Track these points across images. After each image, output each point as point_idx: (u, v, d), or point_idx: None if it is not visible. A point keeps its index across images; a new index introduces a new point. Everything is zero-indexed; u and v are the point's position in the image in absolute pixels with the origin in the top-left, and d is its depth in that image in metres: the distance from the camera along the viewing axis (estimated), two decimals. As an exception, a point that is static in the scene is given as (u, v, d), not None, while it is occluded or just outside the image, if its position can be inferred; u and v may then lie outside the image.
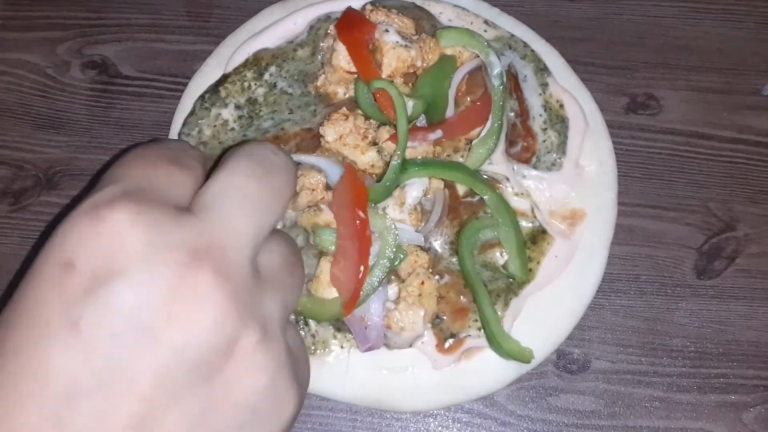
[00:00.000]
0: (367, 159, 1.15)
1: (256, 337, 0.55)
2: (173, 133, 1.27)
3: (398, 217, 1.14)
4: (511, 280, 1.17)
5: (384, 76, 1.18)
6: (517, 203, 1.19)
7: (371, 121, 1.18)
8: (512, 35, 1.30)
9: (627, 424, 1.18)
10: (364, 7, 1.26)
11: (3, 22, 1.42)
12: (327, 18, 1.28)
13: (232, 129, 1.24)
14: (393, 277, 1.13)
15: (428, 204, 1.17)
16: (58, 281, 0.53)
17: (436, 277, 1.14)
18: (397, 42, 1.19)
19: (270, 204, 0.62)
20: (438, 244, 1.17)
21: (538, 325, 1.17)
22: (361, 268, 1.06)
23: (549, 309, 1.18)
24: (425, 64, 1.22)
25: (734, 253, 1.26)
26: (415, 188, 1.14)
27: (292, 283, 0.65)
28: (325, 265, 1.11)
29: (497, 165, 1.18)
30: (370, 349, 1.10)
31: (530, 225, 1.20)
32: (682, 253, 1.26)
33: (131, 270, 0.52)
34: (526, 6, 1.40)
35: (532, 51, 1.29)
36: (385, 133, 1.16)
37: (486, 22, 1.31)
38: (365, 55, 1.18)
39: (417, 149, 1.17)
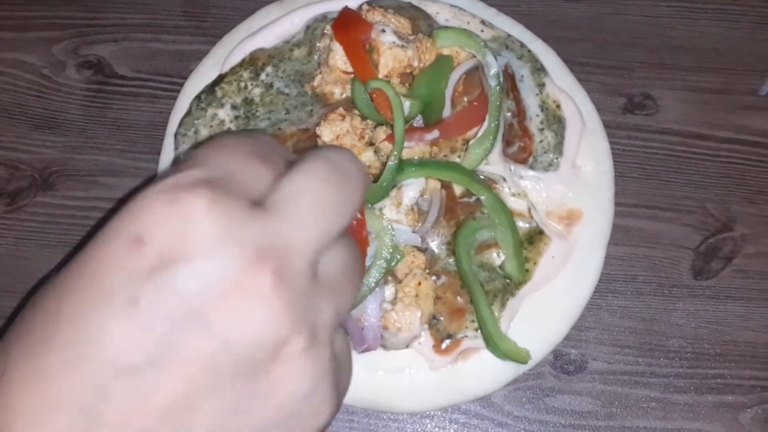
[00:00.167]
0: (363, 159, 1.15)
1: (304, 343, 0.55)
2: (169, 134, 1.26)
3: (395, 217, 1.13)
4: (508, 280, 1.16)
5: (381, 76, 1.18)
6: (514, 204, 1.19)
7: (368, 121, 1.18)
8: (509, 35, 1.30)
9: (624, 425, 1.18)
10: (360, 7, 1.26)
11: (-2, 21, 1.41)
12: (324, 18, 1.28)
13: (229, 129, 1.24)
14: (390, 278, 1.12)
15: (425, 204, 1.17)
16: (125, 255, 0.53)
17: (433, 277, 1.14)
18: (394, 42, 1.18)
19: (341, 211, 0.62)
20: (435, 244, 1.17)
21: (535, 326, 1.17)
22: (358, 268, 1.06)
23: (546, 309, 1.18)
24: (422, 64, 1.22)
25: (731, 254, 1.26)
26: (411, 189, 1.14)
27: (350, 291, 0.65)
28: (322, 265, 1.11)
29: (494, 165, 1.18)
30: (366, 350, 1.10)
31: (527, 225, 1.20)
32: (679, 253, 1.26)
33: (198, 257, 0.52)
34: (523, 6, 1.40)
35: (529, 51, 1.29)
36: (381, 133, 1.16)
37: (483, 22, 1.30)
38: (362, 55, 1.18)
39: (414, 149, 1.17)
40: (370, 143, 1.16)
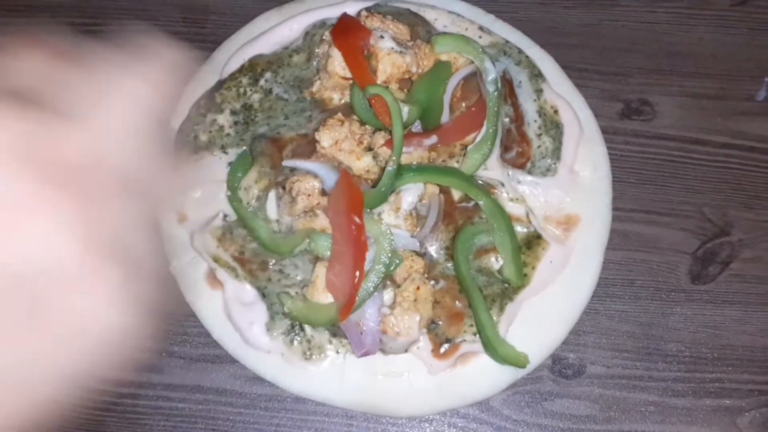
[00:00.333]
0: (362, 164, 1.16)
1: None
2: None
3: (394, 222, 1.14)
4: (506, 285, 1.17)
5: (379, 82, 1.19)
6: (512, 208, 1.20)
7: (366, 126, 1.18)
8: (507, 41, 1.30)
9: (622, 429, 1.19)
10: (359, 14, 1.27)
11: (-1, 28, 1.42)
12: (322, 24, 1.29)
13: (228, 134, 1.24)
14: (388, 282, 1.13)
15: (423, 209, 1.18)
16: None
17: (432, 282, 1.15)
18: (393, 48, 1.19)
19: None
20: (433, 249, 1.17)
21: (533, 330, 1.17)
22: (357, 273, 1.07)
23: (544, 314, 1.18)
24: (420, 70, 1.22)
25: (729, 258, 1.27)
26: (410, 193, 1.15)
27: None
28: (321, 270, 1.12)
29: (492, 170, 1.19)
30: (365, 354, 1.11)
31: (525, 230, 1.20)
32: (676, 258, 1.27)
33: None
34: (520, 12, 1.40)
35: (527, 57, 1.29)
36: (380, 138, 1.16)
37: (481, 28, 1.31)
38: (360, 61, 1.19)
39: (412, 155, 1.17)
40: (369, 148, 1.16)
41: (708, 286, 1.25)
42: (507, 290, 1.17)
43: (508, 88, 1.24)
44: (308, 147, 1.20)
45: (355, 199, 1.09)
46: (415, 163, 1.17)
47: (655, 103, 1.36)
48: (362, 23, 1.23)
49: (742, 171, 1.32)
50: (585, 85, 1.34)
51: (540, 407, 1.20)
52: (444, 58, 1.24)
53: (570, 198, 1.23)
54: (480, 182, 1.19)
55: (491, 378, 1.16)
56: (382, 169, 1.14)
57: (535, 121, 1.25)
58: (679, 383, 1.21)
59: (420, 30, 1.27)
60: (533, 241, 1.20)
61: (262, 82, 1.27)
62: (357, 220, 1.08)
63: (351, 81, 1.21)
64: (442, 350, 1.14)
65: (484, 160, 1.18)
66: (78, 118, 0.59)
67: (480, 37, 1.30)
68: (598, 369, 1.21)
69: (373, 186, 1.14)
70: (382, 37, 1.20)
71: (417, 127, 1.21)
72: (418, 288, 1.11)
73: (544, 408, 1.20)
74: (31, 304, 0.54)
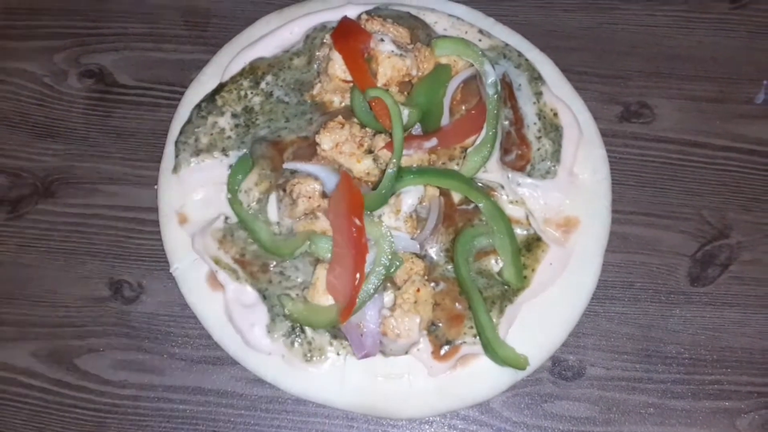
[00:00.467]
0: (362, 167, 1.16)
1: None
2: (170, 142, 1.27)
3: (394, 224, 1.14)
4: (506, 287, 1.17)
5: (379, 84, 1.19)
6: (512, 211, 1.20)
7: (367, 129, 1.19)
8: (507, 45, 1.31)
9: (622, 431, 1.19)
10: (359, 17, 1.27)
11: (1, 31, 1.42)
12: (323, 27, 1.29)
13: (229, 137, 1.25)
14: (389, 285, 1.13)
15: (424, 212, 1.18)
16: None
17: (432, 284, 1.15)
18: (393, 51, 1.19)
19: None
20: (433, 251, 1.18)
21: (533, 332, 1.18)
22: (357, 275, 1.07)
23: (544, 316, 1.19)
24: (420, 73, 1.23)
25: (728, 261, 1.27)
26: (410, 196, 1.15)
27: None
28: (321, 272, 1.12)
29: (492, 173, 1.19)
30: (366, 356, 1.11)
31: (525, 232, 1.21)
32: (676, 260, 1.27)
33: None
34: (520, 16, 1.41)
35: (527, 60, 1.30)
36: (380, 141, 1.17)
37: (481, 31, 1.32)
38: (361, 64, 1.19)
39: (412, 157, 1.18)
40: (369, 151, 1.17)
41: (707, 289, 1.26)
42: (507, 292, 1.17)
43: (507, 91, 1.25)
44: (309, 149, 1.20)
45: (355, 201, 1.10)
46: (415, 165, 1.18)
47: (654, 106, 1.36)
48: (362, 26, 1.23)
49: (741, 174, 1.32)
50: (584, 88, 1.34)
51: (540, 409, 1.20)
52: (444, 61, 1.24)
53: (569, 200, 1.23)
54: (480, 185, 1.20)
55: (491, 380, 1.17)
56: (383, 172, 1.14)
57: (535, 123, 1.25)
58: (678, 385, 1.21)
59: (420, 33, 1.28)
60: (533, 243, 1.20)
61: (263, 85, 1.27)
62: (357, 222, 1.08)
63: (351, 84, 1.21)
64: (443, 352, 1.14)
65: (484, 163, 1.18)
66: None
67: (480, 40, 1.30)
68: (598, 371, 1.22)
69: (374, 188, 1.14)
70: (382, 40, 1.20)
71: (417, 129, 1.21)
72: (418, 290, 1.11)
73: (544, 410, 1.20)
74: None
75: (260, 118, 1.26)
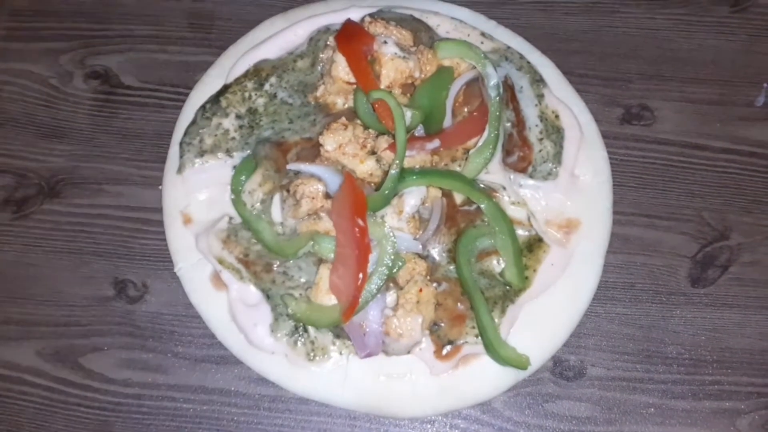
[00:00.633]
0: (365, 168, 1.17)
1: None
2: (174, 143, 1.28)
3: (396, 225, 1.15)
4: (507, 287, 1.18)
5: (382, 86, 1.20)
6: (514, 212, 1.21)
7: (370, 130, 1.20)
8: (509, 47, 1.32)
9: (622, 430, 1.19)
10: (363, 19, 1.28)
11: (7, 32, 1.43)
12: (327, 30, 1.30)
13: (233, 138, 1.26)
14: (391, 285, 1.14)
15: (426, 212, 1.19)
16: None
17: (434, 284, 1.16)
18: (396, 53, 1.20)
19: None
20: (436, 251, 1.18)
21: (534, 332, 1.19)
22: (360, 275, 1.08)
23: (545, 316, 1.19)
24: (423, 75, 1.24)
25: (728, 262, 1.28)
26: (413, 197, 1.16)
27: None
28: (324, 272, 1.13)
29: (494, 174, 1.20)
30: (368, 355, 1.12)
31: (527, 233, 1.21)
32: (676, 261, 1.28)
33: None
34: (522, 19, 1.42)
35: (528, 62, 1.31)
36: (383, 142, 1.18)
37: (483, 34, 1.32)
38: (364, 66, 1.20)
39: (415, 158, 1.18)
40: (372, 152, 1.18)
41: (707, 290, 1.26)
42: (508, 293, 1.18)
43: (509, 93, 1.25)
44: (312, 151, 1.21)
45: (358, 202, 1.10)
46: (417, 166, 1.18)
47: (655, 108, 1.37)
48: (366, 29, 1.24)
49: (742, 176, 1.33)
50: (586, 90, 1.35)
51: (541, 409, 1.21)
52: (446, 63, 1.25)
53: (571, 202, 1.24)
54: (482, 186, 1.20)
55: (493, 379, 1.17)
56: (386, 173, 1.15)
57: (537, 125, 1.26)
58: (678, 385, 1.22)
59: (423, 36, 1.29)
60: (534, 244, 1.21)
61: (267, 86, 1.28)
62: (360, 222, 1.09)
63: (355, 86, 1.22)
64: (444, 352, 1.15)
65: (486, 164, 1.19)
66: None
67: (482, 42, 1.31)
68: (599, 371, 1.22)
69: (377, 189, 1.15)
70: (385, 42, 1.21)
71: (420, 131, 1.22)
72: (420, 290, 1.12)
73: (545, 409, 1.20)
74: None
75: (264, 119, 1.27)
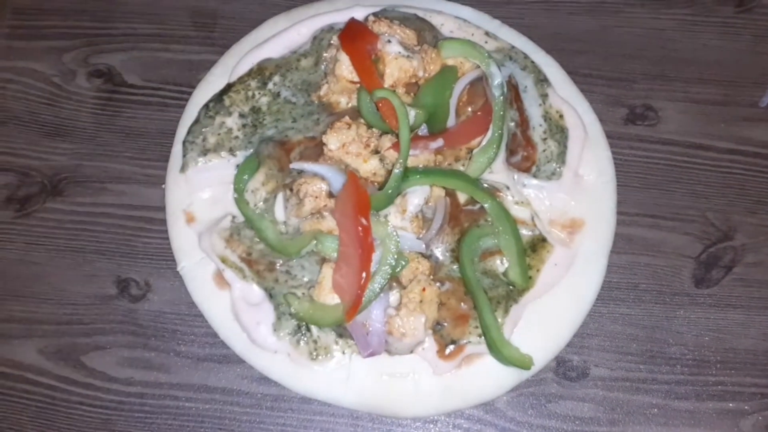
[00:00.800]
0: (369, 167, 1.17)
1: None
2: (178, 141, 1.28)
3: (400, 224, 1.15)
4: (511, 287, 1.18)
5: (386, 85, 1.20)
6: (518, 212, 1.21)
7: (373, 129, 1.19)
8: (513, 47, 1.32)
9: (626, 431, 1.19)
10: (366, 18, 1.28)
11: (10, 31, 1.43)
12: (330, 29, 1.30)
13: (236, 137, 1.26)
14: (394, 284, 1.14)
15: (429, 212, 1.19)
16: None
17: (437, 284, 1.15)
18: (400, 52, 1.20)
19: None
20: (439, 251, 1.18)
21: (537, 332, 1.18)
22: (363, 274, 1.08)
23: (548, 316, 1.19)
24: (427, 75, 1.24)
25: (732, 263, 1.28)
26: (416, 196, 1.16)
27: None
28: (328, 271, 1.13)
29: (498, 174, 1.20)
30: (371, 354, 1.12)
31: (530, 233, 1.21)
32: (680, 262, 1.28)
33: None
34: (526, 18, 1.42)
35: (533, 62, 1.30)
36: (387, 141, 1.17)
37: (487, 33, 1.32)
38: (368, 65, 1.20)
39: (418, 158, 1.18)
40: (376, 151, 1.17)
41: (711, 290, 1.26)
42: (512, 292, 1.18)
43: (513, 92, 1.25)
44: (316, 150, 1.21)
45: (361, 201, 1.10)
46: (421, 166, 1.18)
47: (659, 108, 1.37)
48: (370, 28, 1.24)
49: (746, 176, 1.33)
50: (590, 90, 1.35)
51: (544, 409, 1.20)
52: (450, 62, 1.25)
53: (575, 202, 1.24)
54: (485, 185, 1.20)
55: (496, 379, 1.17)
56: (389, 172, 1.15)
57: (541, 125, 1.26)
58: (682, 386, 1.21)
59: (427, 35, 1.29)
60: (538, 244, 1.21)
61: (270, 85, 1.28)
62: (364, 221, 1.09)
63: (358, 85, 1.22)
64: (448, 351, 1.15)
65: (490, 164, 1.19)
66: None
67: (486, 42, 1.31)
68: (602, 371, 1.22)
69: (380, 188, 1.15)
70: (389, 41, 1.21)
71: (423, 130, 1.22)
72: (423, 289, 1.12)
73: (548, 409, 1.20)
74: None
75: (267, 118, 1.27)
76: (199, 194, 1.25)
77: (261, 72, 1.29)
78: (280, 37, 1.34)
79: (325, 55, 1.29)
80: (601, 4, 1.44)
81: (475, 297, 1.14)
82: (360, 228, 1.09)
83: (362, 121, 1.21)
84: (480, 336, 1.14)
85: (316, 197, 1.16)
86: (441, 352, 1.15)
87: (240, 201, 1.20)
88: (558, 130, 1.26)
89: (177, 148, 1.28)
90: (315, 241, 1.14)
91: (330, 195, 1.16)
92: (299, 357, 1.16)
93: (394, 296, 1.13)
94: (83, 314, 1.25)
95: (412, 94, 1.23)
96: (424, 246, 1.15)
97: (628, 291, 1.26)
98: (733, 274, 1.27)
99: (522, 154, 1.24)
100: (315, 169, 1.17)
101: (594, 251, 1.23)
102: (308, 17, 1.35)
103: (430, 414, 1.18)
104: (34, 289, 1.27)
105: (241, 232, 1.20)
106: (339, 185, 1.14)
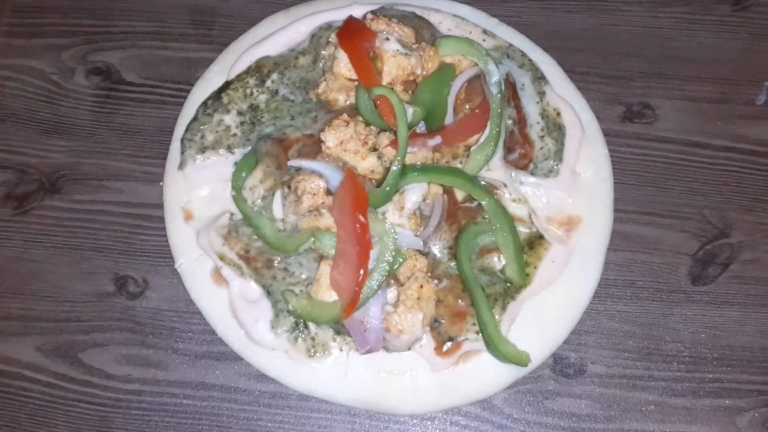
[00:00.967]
0: (367, 164, 1.17)
1: None
2: (176, 139, 1.28)
3: (398, 221, 1.15)
4: (508, 284, 1.18)
5: (384, 83, 1.21)
6: (515, 209, 1.21)
7: (371, 127, 1.20)
8: (510, 44, 1.32)
9: (623, 428, 1.19)
10: (365, 16, 1.28)
11: (9, 28, 1.43)
12: (329, 26, 1.30)
13: (235, 135, 1.26)
14: (392, 281, 1.14)
15: (427, 209, 1.19)
16: None
17: (435, 281, 1.16)
18: (398, 50, 1.21)
19: None
20: (437, 248, 1.18)
21: (535, 329, 1.19)
22: (361, 271, 1.08)
23: (546, 313, 1.19)
24: (425, 72, 1.24)
25: (728, 260, 1.28)
26: (414, 193, 1.16)
27: None
28: (325, 268, 1.13)
29: (495, 171, 1.20)
30: (369, 351, 1.12)
31: (528, 230, 1.21)
32: (677, 259, 1.28)
33: None
34: (524, 16, 1.42)
35: (530, 60, 1.31)
36: (385, 139, 1.18)
37: (485, 31, 1.33)
38: (366, 63, 1.20)
39: (416, 155, 1.19)
40: (374, 149, 1.18)
41: (708, 288, 1.27)
42: (509, 289, 1.18)
43: (511, 90, 1.26)
44: (314, 147, 1.21)
45: (359, 198, 1.10)
46: (419, 163, 1.19)
47: (656, 106, 1.37)
48: (368, 26, 1.24)
49: (742, 174, 1.33)
50: (587, 88, 1.35)
51: (541, 406, 1.21)
52: (448, 60, 1.26)
53: (572, 199, 1.24)
54: (483, 183, 1.20)
55: (493, 376, 1.17)
56: (387, 169, 1.15)
57: (538, 123, 1.26)
58: (679, 383, 1.22)
59: (425, 33, 1.29)
60: (535, 241, 1.21)
61: (268, 83, 1.28)
62: (362, 219, 1.09)
63: (356, 82, 1.22)
64: (445, 348, 1.15)
65: (487, 161, 1.19)
66: None
67: (484, 40, 1.31)
68: (599, 368, 1.22)
69: (378, 186, 1.15)
70: (387, 39, 1.21)
71: (421, 128, 1.22)
72: (421, 286, 1.12)
73: (545, 406, 1.21)
74: None
75: (266, 115, 1.27)
76: (197, 191, 1.25)
77: (259, 70, 1.30)
78: (278, 35, 1.34)
79: (323, 52, 1.29)
80: (599, 2, 1.45)
81: (472, 294, 1.14)
82: (358, 225, 1.09)
83: (360, 118, 1.21)
84: (477, 333, 1.14)
85: (314, 194, 1.16)
86: (438, 349, 1.15)
87: (238, 198, 1.20)
88: (555, 128, 1.26)
89: (175, 146, 1.28)
90: (313, 239, 1.14)
91: (328, 192, 1.16)
92: (297, 354, 1.16)
93: (391, 293, 1.13)
94: (81, 311, 1.25)
95: (410, 91, 1.23)
96: (421, 243, 1.16)
97: (625, 288, 1.27)
98: (729, 271, 1.27)
99: (519, 151, 1.25)
100: (313, 166, 1.18)
101: (591, 248, 1.23)
102: (307, 15, 1.35)
103: (427, 411, 1.18)
104: (31, 287, 1.27)
105: (239, 229, 1.20)
106: (337, 182, 1.14)
